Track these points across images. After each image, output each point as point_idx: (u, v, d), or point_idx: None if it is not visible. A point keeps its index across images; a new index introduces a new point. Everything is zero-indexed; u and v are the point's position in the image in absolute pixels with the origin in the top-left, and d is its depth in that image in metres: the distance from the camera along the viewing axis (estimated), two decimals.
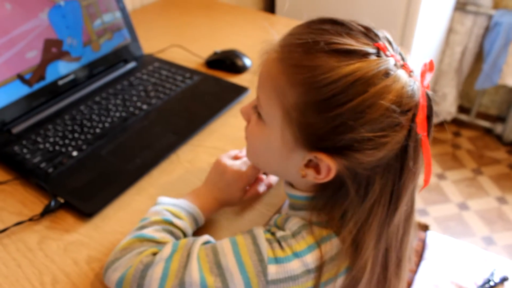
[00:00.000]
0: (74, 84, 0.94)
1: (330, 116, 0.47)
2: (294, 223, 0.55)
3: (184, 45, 1.15)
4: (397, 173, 0.50)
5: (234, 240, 0.55)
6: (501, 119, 2.25)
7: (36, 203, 0.73)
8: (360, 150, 0.47)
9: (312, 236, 0.53)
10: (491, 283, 0.87)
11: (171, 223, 0.61)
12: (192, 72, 1.01)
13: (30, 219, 0.70)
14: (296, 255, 0.52)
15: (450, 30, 2.07)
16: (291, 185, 0.60)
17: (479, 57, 2.13)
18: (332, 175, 0.50)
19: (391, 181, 0.51)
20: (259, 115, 0.56)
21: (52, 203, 0.70)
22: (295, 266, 0.52)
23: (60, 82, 0.91)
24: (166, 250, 0.55)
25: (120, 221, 0.71)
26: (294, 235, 0.54)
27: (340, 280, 0.54)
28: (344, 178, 0.50)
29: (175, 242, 0.57)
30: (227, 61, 1.04)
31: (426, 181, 0.52)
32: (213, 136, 0.87)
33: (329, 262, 0.53)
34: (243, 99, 0.95)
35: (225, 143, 0.85)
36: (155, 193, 0.75)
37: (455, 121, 2.34)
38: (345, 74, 0.46)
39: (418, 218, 1.85)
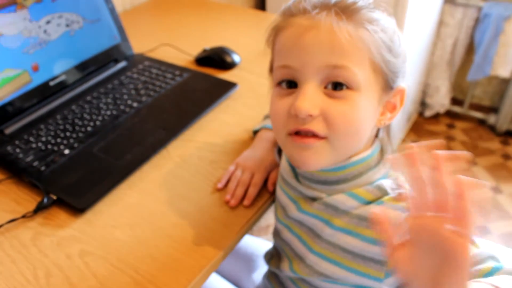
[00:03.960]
0: (65, 85, 0.95)
1: (399, 50, 0.57)
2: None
3: (174, 43, 1.17)
4: None
5: None
6: (494, 109, 2.27)
7: (29, 201, 0.74)
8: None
9: None
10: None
11: None
12: (182, 69, 1.03)
13: (23, 216, 0.71)
14: None
15: (441, 23, 2.08)
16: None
17: (470, 48, 2.14)
18: (405, 99, 0.60)
19: None
20: (341, 91, 0.54)
21: (45, 200, 0.72)
22: None
23: (52, 83, 0.93)
24: None
25: (112, 216, 0.72)
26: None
27: None
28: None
29: None
30: (216, 58, 1.05)
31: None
32: (203, 131, 0.88)
33: None
34: (232, 94, 0.97)
35: (214, 137, 0.87)
36: (146, 187, 0.77)
37: (449, 113, 2.35)
38: (388, 18, 0.57)
39: None
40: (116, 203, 0.74)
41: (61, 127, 0.86)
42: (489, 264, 0.50)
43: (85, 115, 0.89)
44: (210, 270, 0.65)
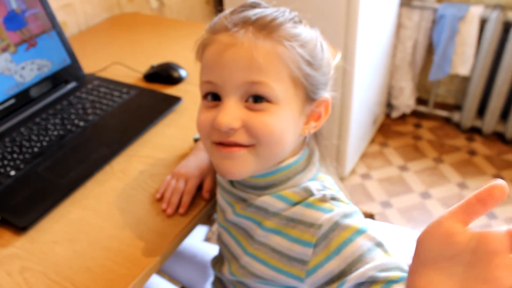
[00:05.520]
0: (15, 108, 0.98)
1: (321, 63, 0.60)
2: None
3: (125, 61, 1.21)
4: None
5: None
6: (458, 107, 2.33)
7: None
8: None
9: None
10: None
11: None
12: (129, 87, 1.06)
13: None
14: None
15: (399, 26, 2.14)
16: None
17: (430, 49, 2.20)
18: (330, 108, 0.63)
19: None
20: (260, 103, 0.57)
21: None
22: None
23: (0, 107, 0.96)
24: None
25: (54, 232, 0.75)
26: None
27: None
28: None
29: None
30: (163, 74, 1.09)
31: None
32: (146, 146, 0.92)
33: None
34: (177, 108, 1.01)
35: (157, 151, 0.90)
36: (88, 203, 0.80)
37: (415, 113, 2.41)
38: (311, 31, 0.61)
39: (381, 210, 1.91)
40: (59, 220, 0.77)
41: (9, 149, 0.89)
42: (396, 273, 0.52)
43: (33, 137, 0.92)
44: (144, 278, 0.68)
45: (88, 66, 1.18)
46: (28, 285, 0.67)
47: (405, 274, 0.53)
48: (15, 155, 0.88)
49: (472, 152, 2.19)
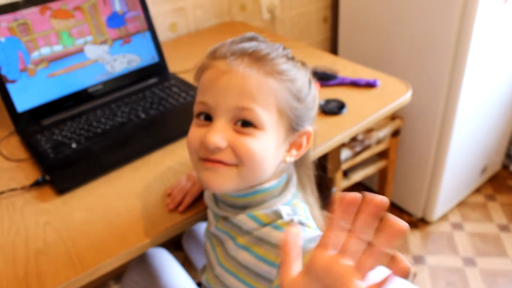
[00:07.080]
0: (101, 93, 1.18)
1: (307, 98, 0.65)
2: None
3: None
4: None
5: None
6: None
7: (35, 178, 0.97)
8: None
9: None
10: None
11: None
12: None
13: (22, 188, 0.93)
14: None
15: None
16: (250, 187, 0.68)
17: None
18: (312, 140, 0.69)
19: None
20: (247, 128, 0.62)
21: (40, 179, 0.93)
22: None
23: (90, 90, 1.16)
24: None
25: (83, 201, 0.90)
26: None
27: None
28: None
29: None
30: None
31: None
32: (186, 147, 1.02)
33: None
34: None
35: None
36: (116, 184, 0.93)
37: None
38: (301, 68, 0.66)
39: (461, 266, 1.74)
40: (92, 192, 0.92)
41: (81, 126, 1.08)
42: None
43: (102, 119, 1.10)
44: (127, 256, 0.78)
45: (177, 65, 1.33)
46: (44, 236, 0.82)
47: None
48: (82, 132, 1.06)
49: None
